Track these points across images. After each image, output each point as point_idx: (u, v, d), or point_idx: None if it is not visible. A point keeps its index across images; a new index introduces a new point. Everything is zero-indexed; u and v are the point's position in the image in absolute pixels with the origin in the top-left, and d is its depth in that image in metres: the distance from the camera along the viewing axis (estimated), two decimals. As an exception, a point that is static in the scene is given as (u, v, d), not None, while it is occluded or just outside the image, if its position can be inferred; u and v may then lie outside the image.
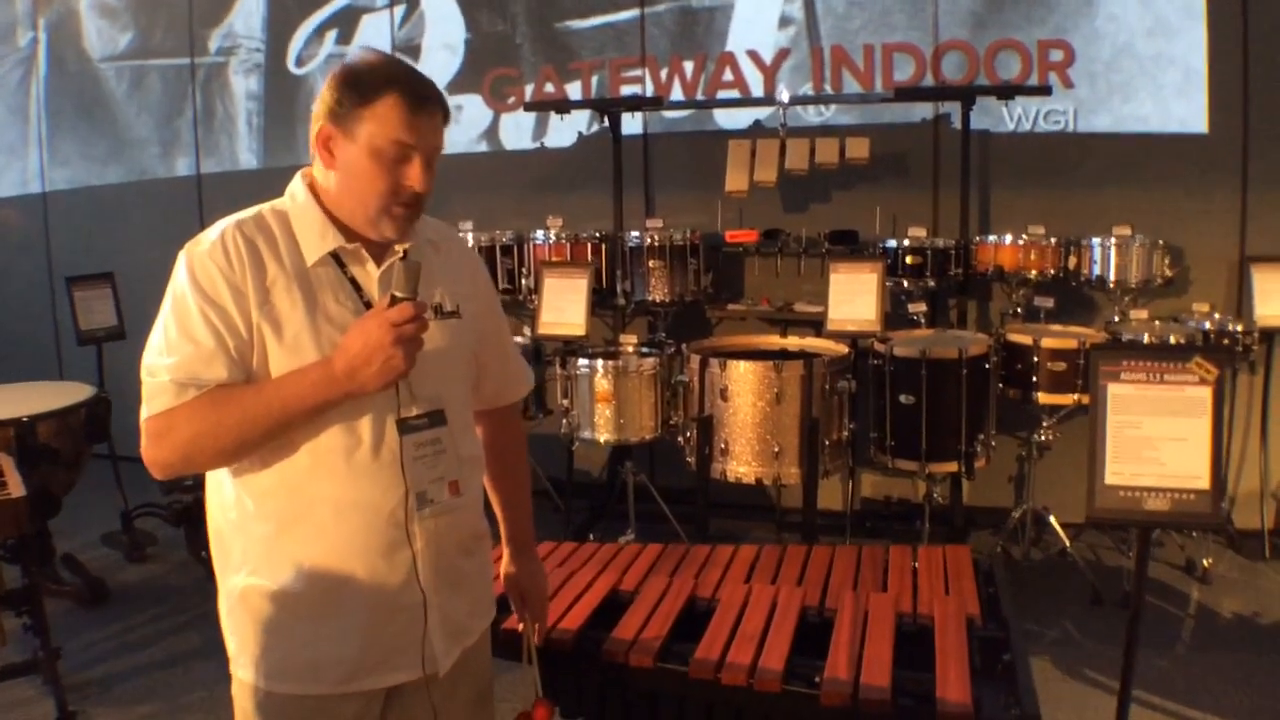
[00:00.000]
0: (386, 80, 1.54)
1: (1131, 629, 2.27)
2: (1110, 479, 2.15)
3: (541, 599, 2.03)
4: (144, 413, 1.54)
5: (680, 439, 4.30)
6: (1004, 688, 1.90)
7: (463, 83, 5.66)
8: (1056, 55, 4.77)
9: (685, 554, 2.58)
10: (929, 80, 4.91)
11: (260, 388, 1.53)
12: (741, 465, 3.97)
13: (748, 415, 3.92)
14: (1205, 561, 4.30)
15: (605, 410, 4.25)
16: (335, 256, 1.61)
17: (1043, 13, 4.76)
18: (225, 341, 1.52)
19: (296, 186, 1.65)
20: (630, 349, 4.48)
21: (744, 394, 3.91)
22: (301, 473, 1.58)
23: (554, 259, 4.88)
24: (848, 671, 1.89)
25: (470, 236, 5.07)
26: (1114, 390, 2.16)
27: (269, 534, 1.59)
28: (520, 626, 2.01)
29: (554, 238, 4.95)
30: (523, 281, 5.08)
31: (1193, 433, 2.12)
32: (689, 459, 4.22)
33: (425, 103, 1.56)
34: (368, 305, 1.59)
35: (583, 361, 4.31)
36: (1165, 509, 2.12)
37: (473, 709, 1.83)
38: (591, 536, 4.57)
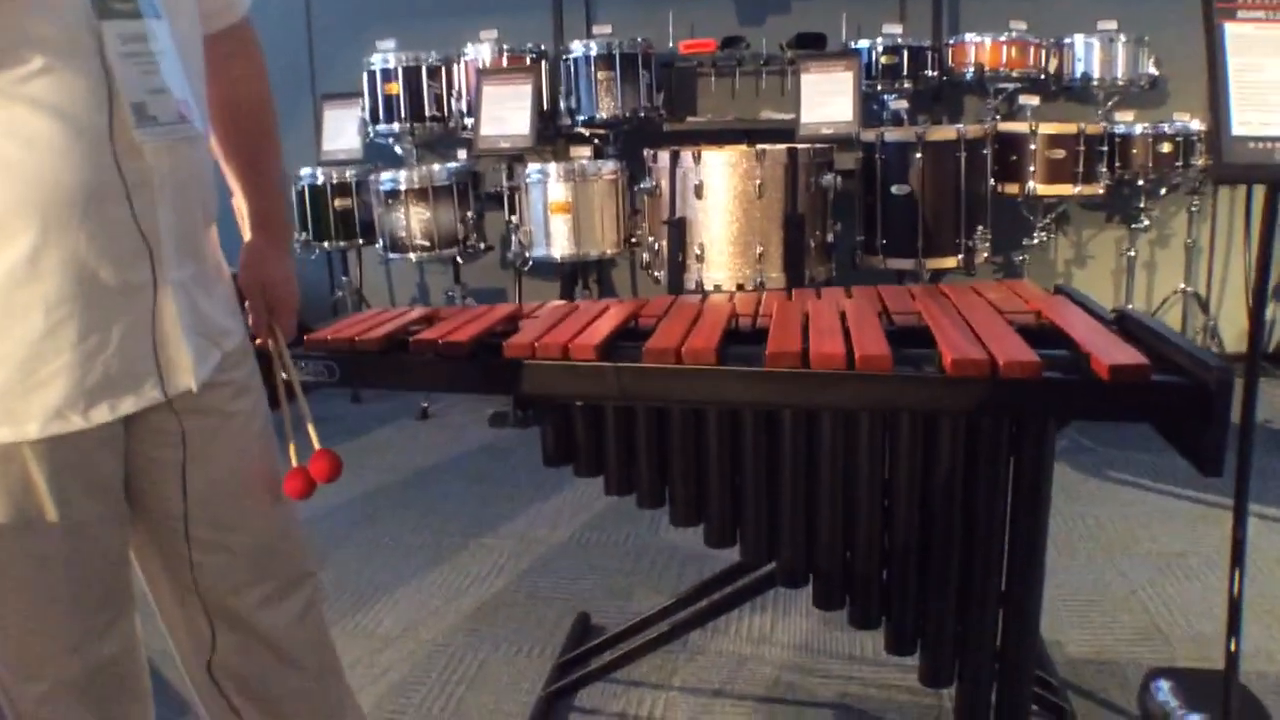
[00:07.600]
0: None
1: (1251, 369, 1.93)
2: (1238, 129, 1.79)
3: (289, 301, 1.45)
4: None
5: (646, 255, 3.85)
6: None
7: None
8: None
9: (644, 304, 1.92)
10: None
11: None
12: (720, 271, 3.54)
13: (726, 214, 3.48)
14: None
15: (562, 222, 3.77)
16: None
17: None
18: None
19: None
20: (585, 159, 3.99)
21: (722, 189, 3.47)
22: None
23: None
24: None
25: (392, 58, 4.50)
26: (1232, 30, 1.79)
27: None
28: (262, 341, 1.43)
29: (489, 51, 4.41)
30: (453, 105, 4.52)
31: (1329, 74, 1.77)
32: (656, 275, 3.78)
33: None
34: None
35: (534, 168, 3.81)
36: (1303, 159, 1.77)
37: (250, 437, 1.33)
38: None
